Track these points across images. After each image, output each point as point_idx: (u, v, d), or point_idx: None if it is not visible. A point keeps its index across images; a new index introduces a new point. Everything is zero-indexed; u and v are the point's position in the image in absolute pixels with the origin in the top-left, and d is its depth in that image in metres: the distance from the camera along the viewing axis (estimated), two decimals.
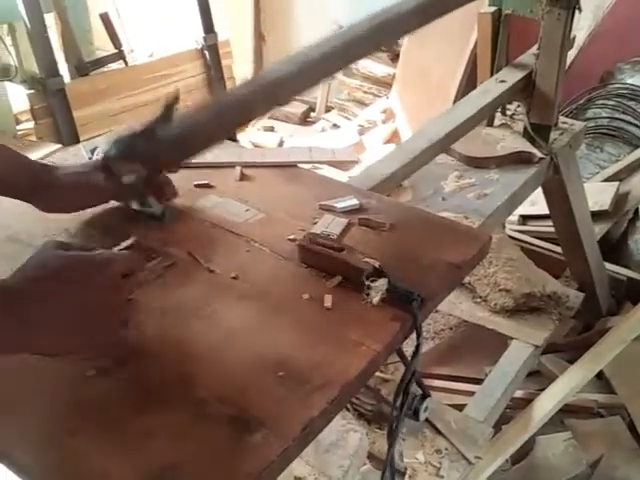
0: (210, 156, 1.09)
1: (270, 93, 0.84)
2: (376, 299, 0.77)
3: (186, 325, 0.74)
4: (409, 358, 0.83)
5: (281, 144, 3.61)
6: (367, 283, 0.79)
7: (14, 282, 0.63)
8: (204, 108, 0.82)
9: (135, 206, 0.88)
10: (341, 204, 0.97)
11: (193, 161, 1.06)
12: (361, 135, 3.43)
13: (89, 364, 0.68)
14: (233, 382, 0.67)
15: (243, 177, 1.05)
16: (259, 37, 4.08)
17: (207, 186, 1.02)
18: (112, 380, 0.67)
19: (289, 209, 0.97)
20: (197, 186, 1.02)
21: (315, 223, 0.93)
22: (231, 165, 1.07)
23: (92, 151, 1.08)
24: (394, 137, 3.40)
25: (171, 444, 0.60)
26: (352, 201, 0.98)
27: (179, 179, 1.03)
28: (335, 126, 3.74)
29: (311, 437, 0.64)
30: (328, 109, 3.89)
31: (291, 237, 0.90)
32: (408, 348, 0.80)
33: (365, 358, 0.70)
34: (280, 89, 0.86)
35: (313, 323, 0.75)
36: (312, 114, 3.93)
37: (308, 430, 0.63)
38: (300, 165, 1.11)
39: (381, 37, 1.08)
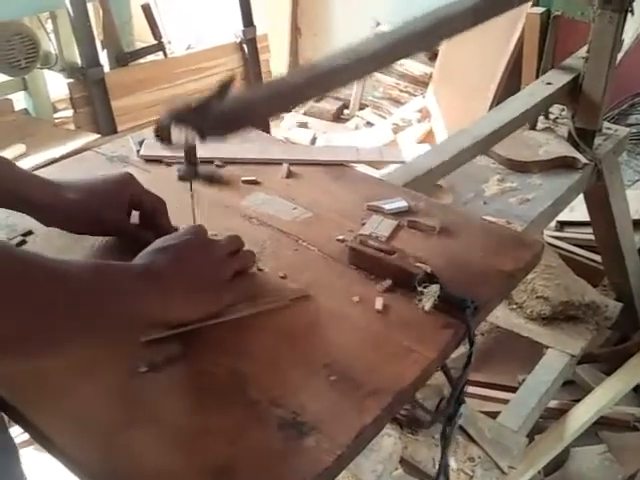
0: (257, 152, 1.08)
1: (322, 82, 0.84)
2: (428, 305, 0.76)
3: (237, 323, 0.73)
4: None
5: (314, 140, 3.60)
6: (419, 288, 0.77)
7: (150, 261, 0.69)
8: (256, 90, 0.82)
9: (183, 173, 0.86)
10: (389, 205, 0.95)
11: (240, 157, 1.07)
12: (395, 134, 3.40)
13: (141, 360, 0.68)
14: (285, 384, 0.66)
15: (290, 174, 1.04)
16: (295, 31, 4.07)
17: (254, 182, 1.01)
18: (164, 377, 0.67)
19: (337, 209, 0.96)
20: (245, 182, 1.01)
21: (363, 224, 0.92)
22: (278, 162, 1.06)
23: (140, 143, 1.08)
24: (429, 137, 3.37)
25: (225, 445, 0.59)
26: (401, 203, 0.96)
27: (227, 174, 1.03)
28: (369, 124, 3.72)
29: (363, 444, 0.63)
30: (362, 107, 3.86)
31: (340, 237, 0.89)
32: None
33: (419, 366, 0.68)
34: (332, 79, 0.85)
35: (364, 327, 0.74)
36: (345, 111, 3.91)
37: (361, 437, 0.61)
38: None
39: (433, 36, 1.06)
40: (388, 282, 0.80)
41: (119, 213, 0.84)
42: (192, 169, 0.81)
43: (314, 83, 0.79)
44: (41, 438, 0.64)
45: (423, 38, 1.01)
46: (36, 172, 0.88)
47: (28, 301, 0.55)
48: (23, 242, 0.88)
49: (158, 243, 0.73)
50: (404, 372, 0.67)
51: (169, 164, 1.03)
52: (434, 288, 0.77)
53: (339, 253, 0.86)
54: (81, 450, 0.61)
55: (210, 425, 0.62)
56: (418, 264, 0.80)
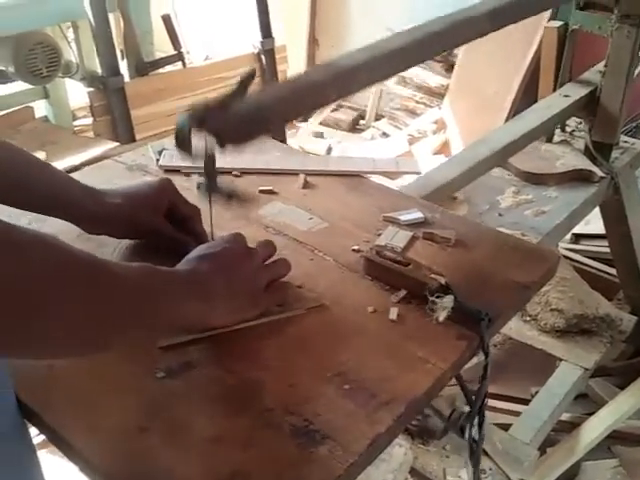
0: (274, 162, 1.10)
1: (342, 80, 0.84)
2: (442, 316, 0.76)
3: (253, 331, 0.75)
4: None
5: (329, 150, 3.61)
6: (433, 299, 0.78)
7: (193, 267, 0.71)
8: (277, 87, 0.82)
9: (203, 189, 0.87)
10: (405, 217, 0.96)
11: (258, 167, 1.08)
12: (411, 145, 3.41)
13: (159, 366, 0.70)
14: (299, 392, 0.67)
15: (306, 185, 1.05)
16: (313, 42, 4.10)
17: (271, 192, 1.03)
18: (181, 382, 0.68)
19: (352, 219, 0.97)
20: (262, 192, 1.02)
21: (379, 235, 0.93)
22: (295, 172, 1.08)
23: (159, 152, 1.10)
24: (444, 148, 3.38)
25: (239, 451, 0.60)
26: (416, 214, 0.97)
27: (245, 184, 1.04)
28: (385, 135, 3.73)
29: (376, 453, 0.64)
30: (378, 117, 3.88)
31: (355, 248, 0.90)
32: None
33: (432, 376, 0.69)
34: (352, 77, 0.85)
35: (378, 336, 0.75)
36: (361, 122, 3.93)
37: (374, 446, 0.62)
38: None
39: (454, 37, 1.05)
40: (403, 293, 0.81)
41: (158, 217, 0.87)
42: (211, 182, 0.82)
43: (333, 82, 0.79)
44: (58, 441, 0.65)
45: (442, 38, 1.00)
46: None
47: (77, 299, 0.56)
48: None
49: (200, 250, 0.74)
50: (417, 382, 0.68)
51: (188, 174, 1.04)
52: (448, 299, 0.77)
53: (354, 263, 0.87)
54: (98, 453, 0.62)
55: (224, 431, 0.63)
56: (433, 275, 0.81)
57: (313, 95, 0.78)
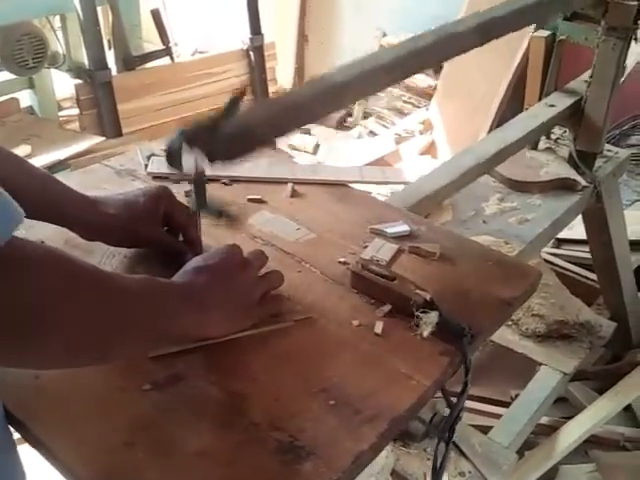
0: (263, 171, 1.10)
1: (331, 97, 0.85)
2: (426, 332, 0.78)
3: (239, 343, 0.75)
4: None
5: (317, 147, 3.62)
6: (418, 315, 0.79)
7: (189, 279, 0.72)
8: (267, 105, 0.83)
9: (192, 205, 0.88)
10: (391, 229, 0.98)
11: (246, 175, 1.09)
12: (398, 144, 3.43)
13: (145, 377, 0.70)
14: (284, 407, 0.68)
15: (294, 194, 1.06)
16: (302, 38, 4.09)
17: (260, 201, 1.03)
18: (167, 396, 0.69)
19: (339, 230, 0.98)
20: (250, 200, 1.03)
21: (365, 246, 0.94)
22: (283, 181, 1.08)
23: (148, 157, 1.10)
24: (431, 149, 3.40)
25: (224, 467, 0.61)
26: (402, 227, 0.98)
27: (234, 192, 1.05)
28: (372, 133, 3.74)
29: (360, 469, 0.65)
30: (366, 116, 3.89)
31: (341, 260, 0.91)
32: None
33: (415, 393, 0.70)
34: (340, 94, 0.86)
35: (363, 351, 0.76)
36: (349, 119, 3.94)
37: (358, 463, 0.63)
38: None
39: (444, 51, 1.06)
40: (388, 307, 0.82)
41: (155, 226, 0.87)
42: (200, 199, 0.83)
43: (321, 100, 0.80)
44: (43, 450, 0.66)
45: (430, 53, 1.01)
46: None
47: (86, 311, 0.58)
48: None
49: (197, 262, 0.75)
50: (401, 399, 0.69)
51: (176, 181, 1.05)
52: (433, 315, 0.79)
53: (341, 276, 0.88)
54: (82, 466, 0.62)
55: (210, 445, 0.63)
56: (418, 291, 0.82)
57: (301, 113, 0.80)
